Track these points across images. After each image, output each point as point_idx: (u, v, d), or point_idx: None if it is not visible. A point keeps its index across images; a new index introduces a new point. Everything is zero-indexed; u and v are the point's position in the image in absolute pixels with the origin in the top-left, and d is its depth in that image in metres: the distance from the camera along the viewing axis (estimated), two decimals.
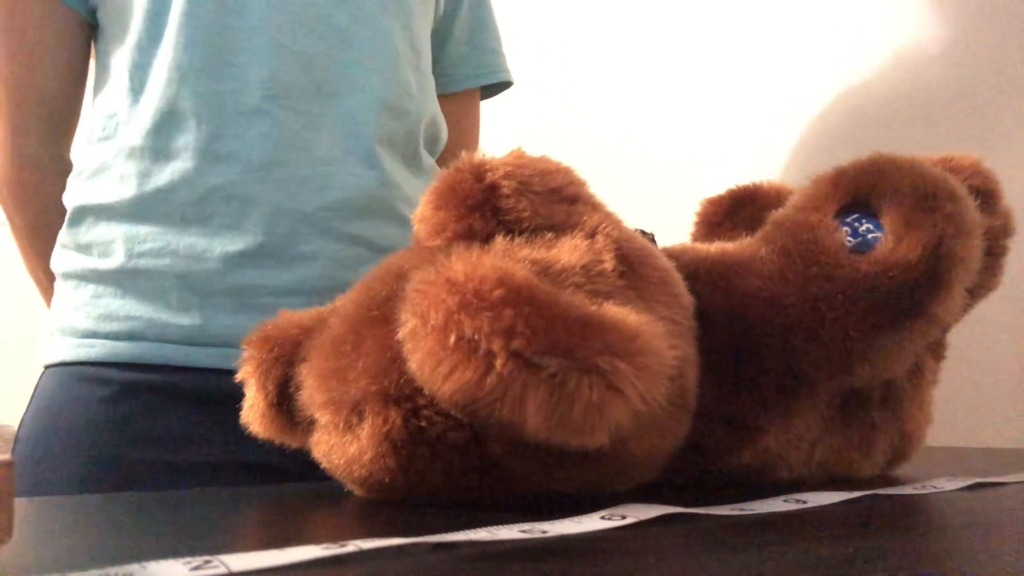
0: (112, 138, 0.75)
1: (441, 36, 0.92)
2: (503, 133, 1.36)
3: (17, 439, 0.73)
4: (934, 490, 0.44)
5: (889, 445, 0.51)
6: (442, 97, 0.93)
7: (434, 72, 0.90)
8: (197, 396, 0.70)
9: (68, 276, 0.76)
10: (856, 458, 0.50)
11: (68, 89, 0.80)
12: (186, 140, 0.72)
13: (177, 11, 0.72)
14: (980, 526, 0.35)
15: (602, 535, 0.31)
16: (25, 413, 0.74)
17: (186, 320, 0.70)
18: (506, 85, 0.98)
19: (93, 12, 0.78)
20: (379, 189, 0.76)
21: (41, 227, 0.81)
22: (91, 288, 0.74)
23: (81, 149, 0.78)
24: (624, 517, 0.34)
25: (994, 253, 0.51)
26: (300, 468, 0.65)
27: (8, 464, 0.28)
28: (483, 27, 0.95)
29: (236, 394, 0.55)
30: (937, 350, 0.54)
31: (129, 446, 0.69)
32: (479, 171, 0.41)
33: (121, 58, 0.75)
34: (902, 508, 0.39)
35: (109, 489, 0.66)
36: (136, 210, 0.72)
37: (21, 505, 0.39)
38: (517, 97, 1.37)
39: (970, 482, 0.46)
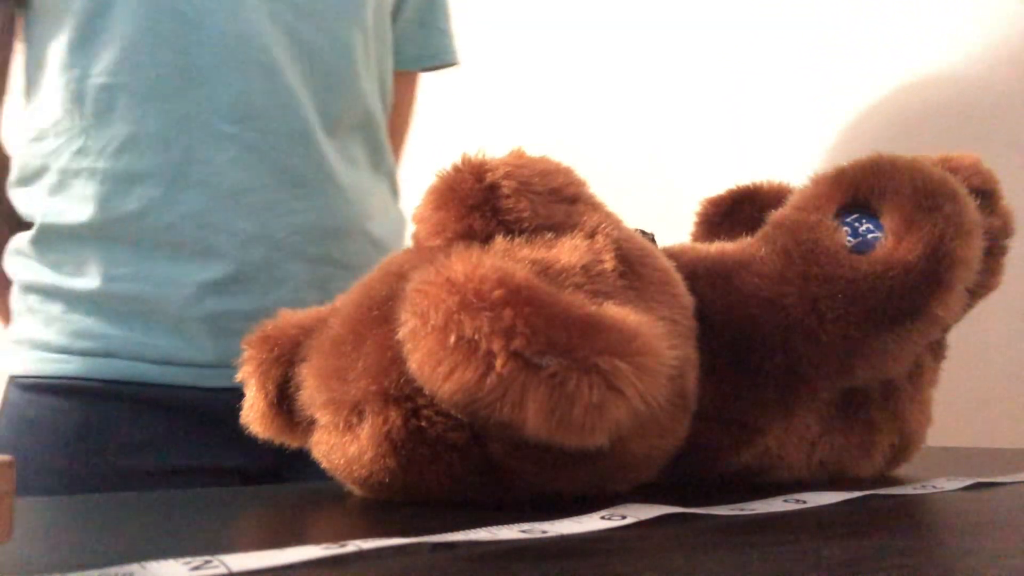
0: (63, 151, 0.71)
1: (393, 12, 0.88)
2: (503, 133, 1.36)
3: None
4: (934, 490, 0.44)
5: (889, 445, 0.51)
6: None
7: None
8: (169, 406, 0.71)
9: (31, 288, 0.74)
10: (856, 458, 0.49)
11: None
12: (150, 165, 0.69)
13: (127, 21, 0.69)
14: (980, 526, 0.35)
15: (602, 535, 0.31)
16: None
17: (162, 342, 0.70)
18: (450, 65, 0.94)
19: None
20: (345, 207, 0.76)
21: None
22: (60, 304, 0.72)
23: (21, 148, 0.75)
24: (624, 517, 0.34)
25: (994, 253, 0.51)
26: (260, 471, 0.73)
27: (8, 464, 0.28)
28: (434, 6, 0.91)
29: (210, 407, 0.68)
30: (937, 350, 0.54)
31: (104, 455, 0.69)
32: (479, 171, 0.41)
33: (58, 60, 0.71)
34: (902, 508, 0.39)
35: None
36: (106, 233, 0.70)
37: (21, 505, 0.39)
38: (517, 97, 1.37)
39: (970, 482, 0.46)
